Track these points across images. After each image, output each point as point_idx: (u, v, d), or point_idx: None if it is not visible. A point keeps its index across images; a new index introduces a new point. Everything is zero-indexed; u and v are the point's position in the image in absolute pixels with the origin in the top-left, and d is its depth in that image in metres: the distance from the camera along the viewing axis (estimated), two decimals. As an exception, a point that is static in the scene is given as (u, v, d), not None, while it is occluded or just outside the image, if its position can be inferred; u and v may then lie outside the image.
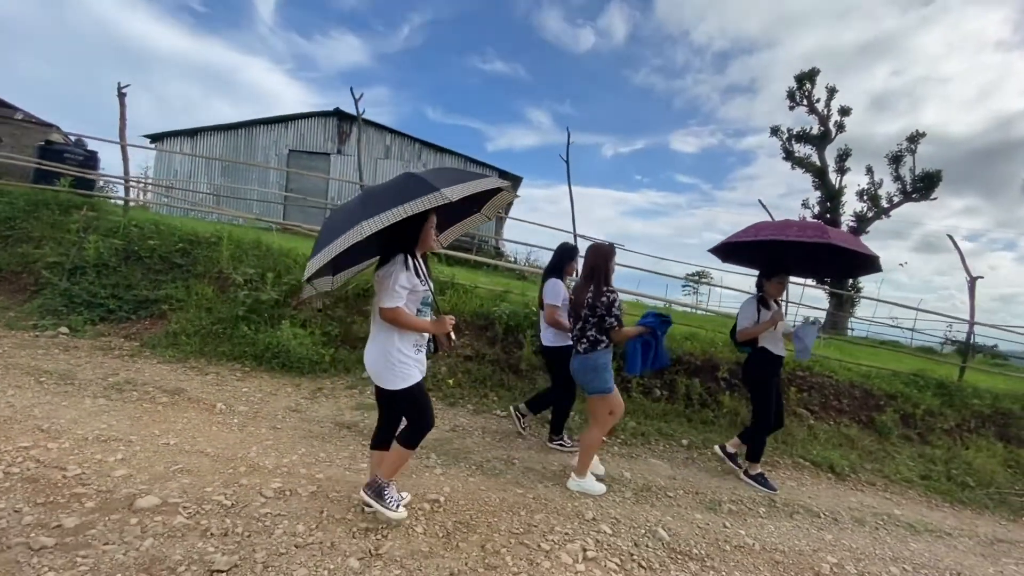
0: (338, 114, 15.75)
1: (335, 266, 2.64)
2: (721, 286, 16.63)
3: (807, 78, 22.14)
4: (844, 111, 21.83)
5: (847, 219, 21.93)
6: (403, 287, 2.38)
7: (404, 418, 2.67)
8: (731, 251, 4.32)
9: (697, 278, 19.97)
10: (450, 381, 4.99)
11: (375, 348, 2.52)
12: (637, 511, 3.41)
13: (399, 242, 2.45)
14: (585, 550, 2.81)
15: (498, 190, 2.81)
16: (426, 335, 2.65)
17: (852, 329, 18.80)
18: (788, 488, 4.35)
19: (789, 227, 3.80)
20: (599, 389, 3.39)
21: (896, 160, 21.79)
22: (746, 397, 5.67)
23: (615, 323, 3.28)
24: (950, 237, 7.41)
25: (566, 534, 2.94)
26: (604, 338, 3.34)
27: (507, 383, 5.18)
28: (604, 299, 3.27)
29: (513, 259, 13.77)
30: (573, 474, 3.59)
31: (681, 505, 3.63)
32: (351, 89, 8.72)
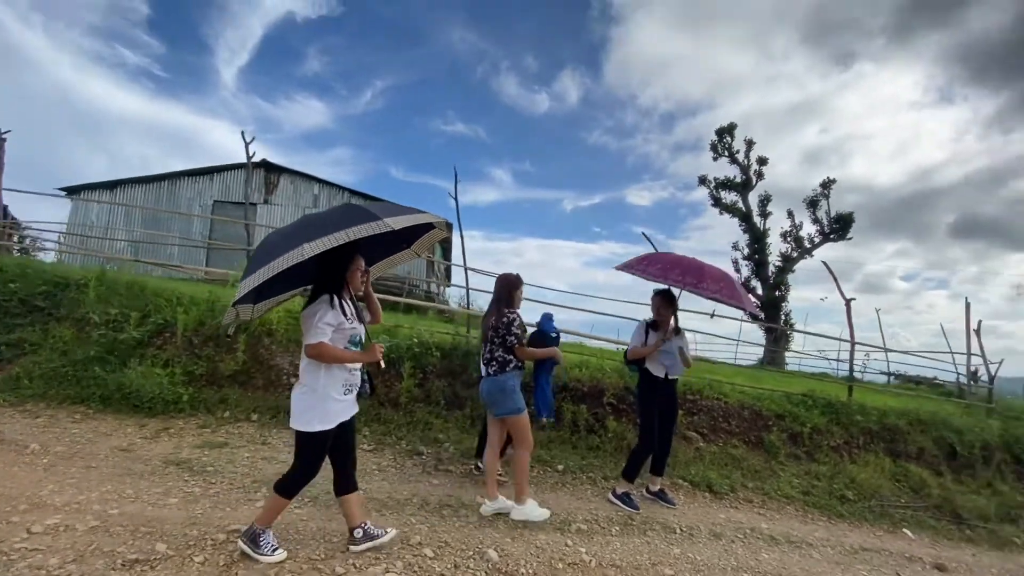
0: (265, 165, 15.74)
1: (258, 293, 2.53)
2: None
3: (726, 132, 23.89)
4: (762, 161, 23.52)
5: (774, 258, 23.10)
6: (328, 324, 2.36)
7: (295, 462, 2.56)
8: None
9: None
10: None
11: (299, 389, 2.48)
12: (474, 534, 3.25)
13: (326, 282, 2.46)
14: (388, 572, 2.64)
15: (429, 227, 2.86)
16: (358, 375, 2.62)
17: (787, 363, 19.36)
18: (655, 507, 4.27)
19: (675, 268, 3.99)
20: (511, 410, 3.41)
21: (813, 204, 23.39)
22: (633, 422, 5.67)
23: (515, 340, 3.40)
24: (825, 264, 7.89)
25: (375, 558, 2.76)
26: (511, 358, 3.42)
27: (383, 417, 4.99)
28: (504, 319, 3.41)
29: (446, 302, 13.72)
30: (513, 503, 3.51)
31: (528, 527, 3.48)
32: (242, 133, 8.80)
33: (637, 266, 4.15)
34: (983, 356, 8.97)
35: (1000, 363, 8.88)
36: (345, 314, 2.45)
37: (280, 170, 15.84)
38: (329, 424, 2.45)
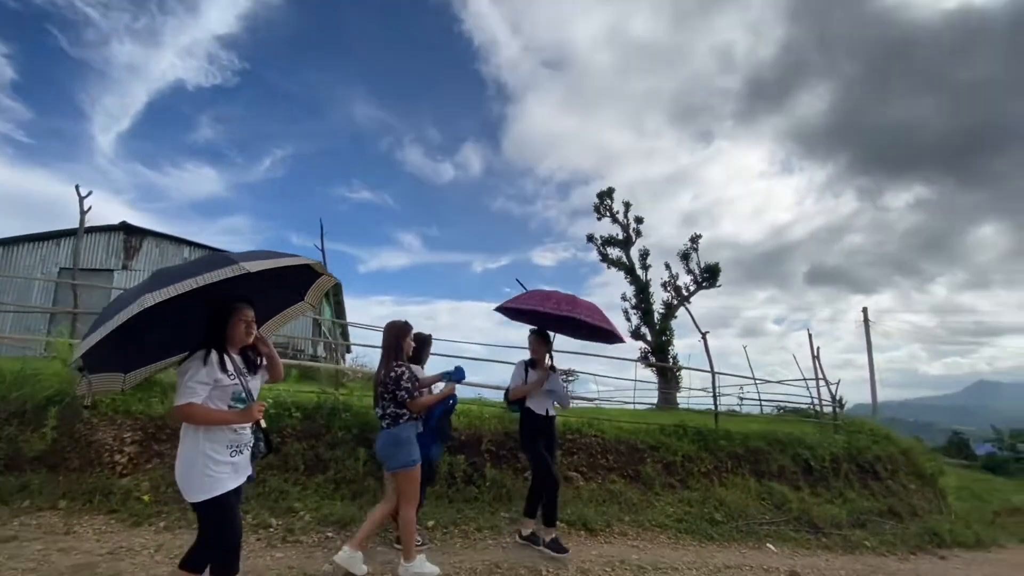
0: (124, 228, 14.19)
1: (125, 361, 2.29)
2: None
3: (606, 195, 26.13)
4: (639, 219, 25.81)
5: (658, 307, 24.92)
6: (200, 382, 2.14)
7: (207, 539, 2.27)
8: (514, 314, 4.52)
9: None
10: (145, 497, 4.07)
11: (180, 454, 2.22)
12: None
13: (207, 338, 2.23)
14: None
15: (315, 275, 2.65)
16: (247, 434, 2.32)
17: (678, 404, 20.43)
18: (524, 551, 4.10)
19: (549, 299, 4.11)
20: (403, 463, 3.25)
21: (685, 257, 25.83)
22: (513, 468, 5.53)
23: (406, 396, 3.27)
24: (684, 305, 8.60)
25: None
26: (404, 411, 3.30)
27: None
28: (392, 374, 3.28)
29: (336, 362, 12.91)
30: (402, 560, 3.34)
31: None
32: (76, 187, 8.00)
33: (514, 304, 4.25)
34: (824, 379, 10.15)
35: (838, 383, 10.12)
36: (225, 369, 2.23)
37: (143, 233, 14.30)
38: (217, 491, 2.16)
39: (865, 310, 23.32)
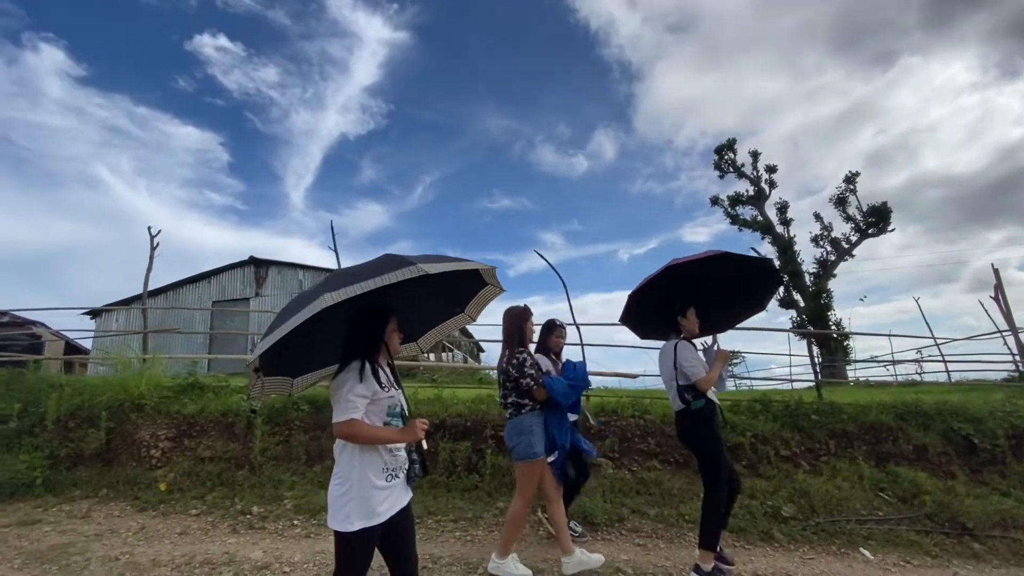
0: (253, 261, 16.91)
1: (294, 366, 2.25)
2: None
3: (726, 148, 23.17)
4: (771, 169, 22.41)
5: (808, 267, 21.31)
6: (360, 396, 1.97)
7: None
8: (637, 318, 3.82)
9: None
10: (162, 486, 4.59)
11: (333, 480, 2.01)
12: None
13: (356, 347, 2.10)
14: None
15: (481, 283, 2.51)
16: (402, 455, 2.11)
17: (848, 379, 17.20)
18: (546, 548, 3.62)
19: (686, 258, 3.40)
20: (523, 455, 3.11)
21: (841, 202, 21.72)
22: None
23: (531, 383, 3.11)
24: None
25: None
26: (526, 401, 3.17)
27: (235, 480, 4.72)
28: (515, 360, 3.18)
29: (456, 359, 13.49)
30: (494, 554, 3.26)
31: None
32: (148, 228, 9.68)
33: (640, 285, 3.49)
34: (1014, 329, 7.40)
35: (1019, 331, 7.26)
36: (380, 382, 2.05)
37: (268, 263, 16.86)
38: (373, 520, 1.94)
39: None
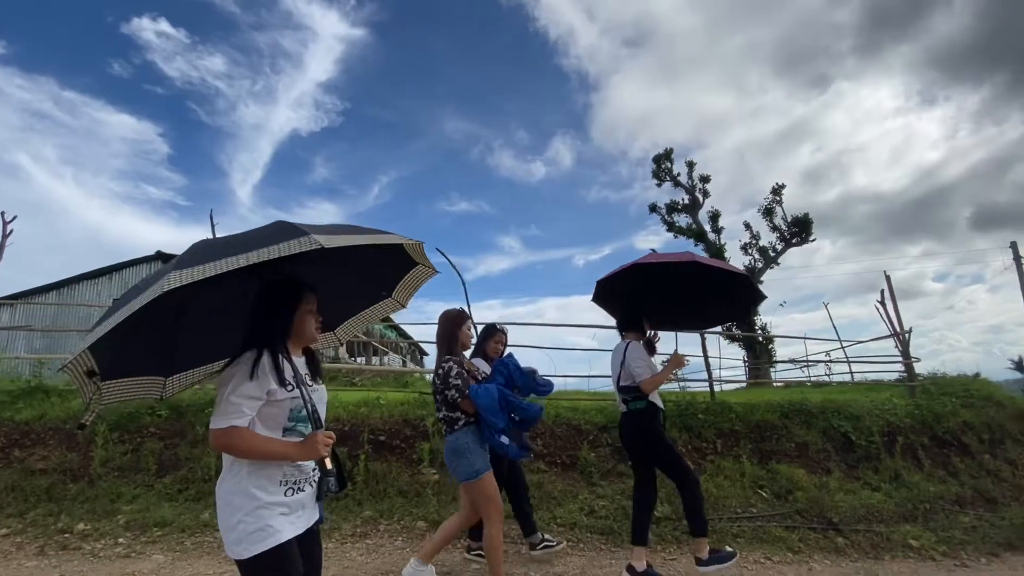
0: (160, 256, 15.72)
1: (167, 361, 1.84)
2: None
3: (664, 157, 23.84)
4: (704, 179, 23.22)
5: (736, 274, 22.20)
6: (247, 397, 1.58)
7: None
8: (607, 294, 3.77)
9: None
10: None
11: (218, 494, 1.63)
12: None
13: (254, 332, 1.68)
14: None
15: (409, 265, 2.07)
16: (309, 465, 1.68)
17: (771, 381, 17.91)
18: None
19: (658, 256, 3.57)
20: (467, 475, 2.79)
21: (768, 213, 22.71)
22: (401, 460, 4.79)
23: (455, 395, 2.80)
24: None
25: None
26: (458, 414, 2.85)
27: (66, 495, 4.18)
28: (440, 370, 2.88)
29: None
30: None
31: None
32: (2, 213, 8.96)
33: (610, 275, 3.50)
34: (898, 333, 7.84)
35: (910, 331, 7.74)
36: (282, 377, 1.63)
37: (174, 258, 15.59)
38: (273, 540, 1.56)
39: (1014, 245, 18.46)
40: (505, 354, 3.48)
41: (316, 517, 1.72)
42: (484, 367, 3.31)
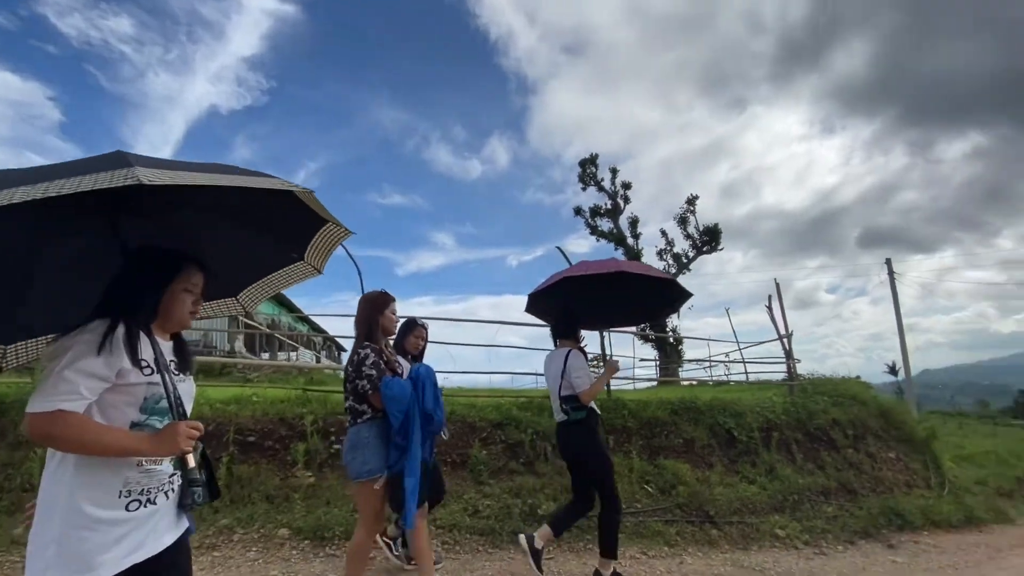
0: None
1: (9, 327, 1.51)
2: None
3: (589, 163, 24.47)
4: (626, 185, 24.10)
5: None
6: (88, 374, 1.20)
7: None
8: (540, 304, 3.91)
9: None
10: None
11: (38, 506, 1.23)
12: None
13: (110, 299, 1.34)
14: None
15: (318, 223, 1.69)
16: (165, 471, 1.34)
17: (679, 380, 18.83)
18: None
19: (585, 266, 3.63)
20: (356, 472, 2.52)
21: (683, 221, 23.94)
22: (271, 462, 4.39)
23: (367, 385, 2.52)
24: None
25: None
26: (365, 407, 2.59)
27: None
28: (355, 357, 2.62)
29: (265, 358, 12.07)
30: None
31: None
32: None
33: (542, 286, 3.65)
34: (783, 336, 8.45)
35: (791, 334, 8.38)
36: (137, 358, 1.29)
37: None
38: (107, 569, 1.19)
39: (889, 261, 20.72)
40: (425, 350, 3.41)
41: (180, 531, 1.42)
42: (404, 362, 3.09)
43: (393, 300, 2.84)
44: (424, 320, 3.50)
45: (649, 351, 21.44)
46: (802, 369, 9.33)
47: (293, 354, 17.73)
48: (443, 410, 2.78)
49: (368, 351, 2.60)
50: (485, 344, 7.01)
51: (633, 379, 14.91)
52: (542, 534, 3.30)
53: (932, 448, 7.83)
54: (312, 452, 4.37)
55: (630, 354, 17.12)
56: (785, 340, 8.30)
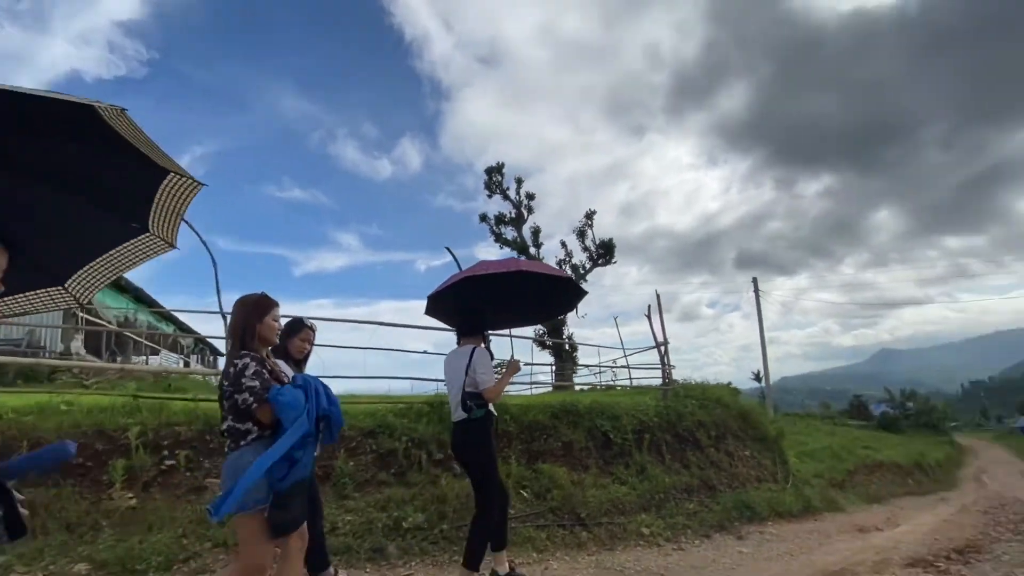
0: None
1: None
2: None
3: (495, 171, 24.71)
4: (530, 196, 24.65)
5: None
6: None
7: None
8: (440, 306, 3.88)
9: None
10: None
11: None
12: None
13: None
14: None
15: (159, 174, 1.31)
16: None
17: (574, 386, 19.36)
18: None
19: (485, 265, 3.62)
20: (241, 504, 2.06)
21: (581, 234, 24.91)
22: (80, 483, 3.69)
23: (250, 399, 2.15)
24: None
25: None
26: (249, 426, 2.20)
27: None
28: (232, 368, 2.23)
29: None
30: None
31: None
32: None
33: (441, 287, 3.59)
34: (660, 344, 9.00)
35: (666, 344, 9.00)
36: None
37: None
38: None
39: (755, 280, 23.20)
40: (311, 354, 3.09)
41: None
42: (286, 369, 2.76)
43: (276, 305, 2.48)
44: (312, 321, 3.13)
45: (547, 357, 21.98)
46: (680, 375, 10.00)
47: (155, 358, 15.64)
48: (339, 407, 2.48)
49: (248, 360, 2.26)
50: (387, 348, 6.64)
51: (531, 383, 15.19)
52: (498, 560, 3.33)
53: (780, 446, 8.74)
54: (136, 470, 3.74)
55: (529, 359, 17.38)
56: (661, 348, 8.81)
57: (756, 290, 23.30)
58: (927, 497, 11.67)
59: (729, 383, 11.61)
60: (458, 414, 3.24)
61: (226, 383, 2.27)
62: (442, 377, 3.61)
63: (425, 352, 7.22)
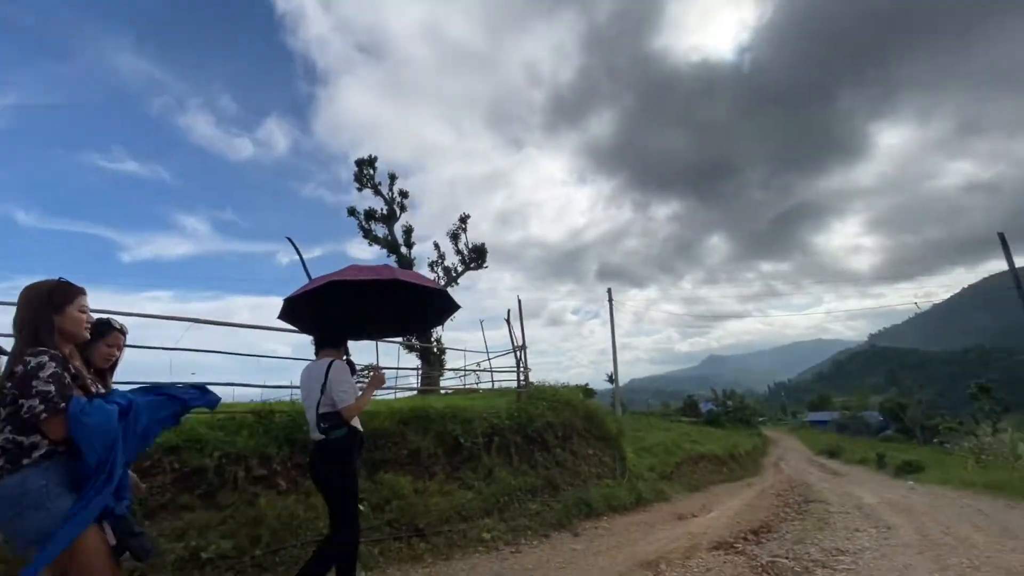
0: None
1: None
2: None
3: (367, 164, 23.58)
4: (403, 194, 23.97)
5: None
6: None
7: None
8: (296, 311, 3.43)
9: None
10: None
11: None
12: None
13: None
14: None
15: None
16: None
17: (439, 389, 19.04)
18: None
19: (360, 272, 3.21)
20: (33, 537, 1.73)
21: (455, 237, 24.82)
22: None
23: (40, 408, 1.75)
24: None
25: None
26: (35, 439, 1.81)
27: None
28: (19, 368, 1.79)
29: None
30: None
31: None
32: None
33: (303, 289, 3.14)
34: (517, 348, 9.22)
35: (524, 347, 9.31)
36: None
37: None
38: None
39: (609, 291, 25.15)
40: (122, 359, 2.50)
41: None
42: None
43: (82, 294, 2.05)
44: (121, 323, 2.50)
45: (414, 360, 21.44)
46: (545, 377, 10.35)
47: None
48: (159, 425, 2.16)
49: (44, 358, 1.83)
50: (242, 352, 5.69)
51: (395, 388, 14.57)
52: None
53: (620, 443, 9.46)
54: None
55: (395, 364, 16.72)
56: (518, 351, 9.01)
57: (610, 300, 25.28)
58: (737, 483, 13.55)
59: (587, 384, 12.46)
60: (315, 434, 2.93)
61: (8, 385, 1.84)
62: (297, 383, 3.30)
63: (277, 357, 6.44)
